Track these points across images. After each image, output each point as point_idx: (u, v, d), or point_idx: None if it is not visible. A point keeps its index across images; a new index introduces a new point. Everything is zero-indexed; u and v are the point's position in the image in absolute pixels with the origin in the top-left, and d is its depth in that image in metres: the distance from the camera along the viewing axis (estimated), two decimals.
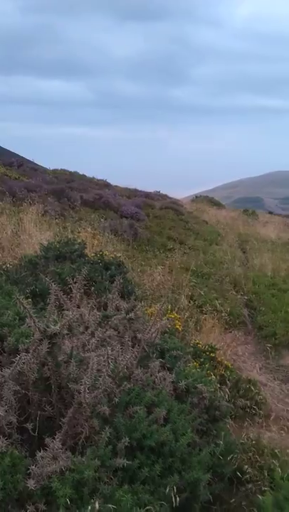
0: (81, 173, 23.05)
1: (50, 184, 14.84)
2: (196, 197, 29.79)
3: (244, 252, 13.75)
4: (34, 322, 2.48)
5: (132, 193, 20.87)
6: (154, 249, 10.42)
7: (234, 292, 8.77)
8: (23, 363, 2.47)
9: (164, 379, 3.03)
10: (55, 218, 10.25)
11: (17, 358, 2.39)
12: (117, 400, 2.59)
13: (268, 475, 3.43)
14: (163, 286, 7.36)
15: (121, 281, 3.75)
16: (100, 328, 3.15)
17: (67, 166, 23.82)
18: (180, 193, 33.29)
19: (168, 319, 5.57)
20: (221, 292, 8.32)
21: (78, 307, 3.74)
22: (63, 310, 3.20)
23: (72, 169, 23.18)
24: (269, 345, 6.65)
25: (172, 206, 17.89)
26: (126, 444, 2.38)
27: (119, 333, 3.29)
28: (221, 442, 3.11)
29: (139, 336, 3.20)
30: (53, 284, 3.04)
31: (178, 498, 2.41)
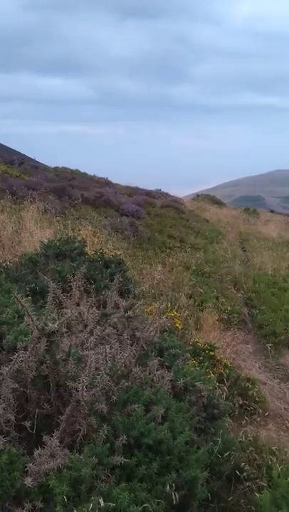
0: (82, 171, 23.07)
1: (51, 182, 14.84)
2: (198, 195, 29.79)
3: (245, 251, 13.75)
4: (32, 320, 2.49)
5: (133, 191, 20.88)
6: (155, 248, 10.42)
7: (234, 291, 8.79)
8: (21, 361, 2.48)
9: (163, 377, 3.03)
10: (56, 216, 10.26)
11: (15, 356, 2.40)
12: (115, 398, 2.59)
13: (266, 473, 3.43)
14: (163, 284, 7.37)
15: (120, 279, 3.75)
16: (98, 327, 3.15)
17: (68, 164, 23.85)
18: (181, 191, 33.30)
19: (167, 318, 5.59)
20: (221, 291, 8.32)
21: (78, 305, 3.75)
22: (63, 308, 3.21)
23: (73, 167, 23.21)
24: (269, 344, 6.65)
25: (173, 204, 17.90)
26: (123, 441, 2.38)
27: (118, 331, 3.30)
28: (219, 440, 3.12)
29: (137, 334, 3.20)
30: (51, 282, 3.06)
31: (176, 496, 2.42)
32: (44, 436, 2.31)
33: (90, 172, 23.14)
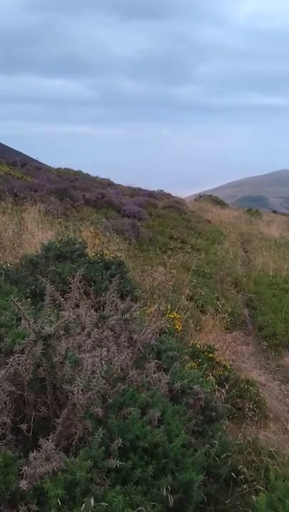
0: (85, 172, 23.12)
1: (53, 183, 14.88)
2: (200, 196, 29.77)
3: (246, 252, 13.74)
4: (28, 323, 2.50)
5: (135, 192, 20.89)
6: (156, 249, 10.42)
7: (235, 292, 8.78)
8: (18, 363, 2.50)
9: (160, 380, 3.03)
10: (58, 218, 10.28)
11: (11, 359, 2.41)
12: (111, 401, 2.60)
13: (264, 475, 3.44)
14: (164, 286, 7.37)
15: (118, 281, 3.75)
16: (96, 329, 3.16)
17: (71, 165, 23.91)
18: (184, 191, 33.30)
19: (167, 319, 5.59)
20: (222, 292, 8.32)
21: (77, 306, 3.76)
22: (61, 310, 3.22)
23: (76, 168, 23.27)
24: (269, 345, 6.65)
25: (175, 205, 17.89)
26: (119, 445, 2.39)
27: (115, 333, 3.31)
28: (216, 443, 3.12)
29: (135, 336, 3.21)
30: (49, 284, 3.06)
31: (172, 499, 2.43)
32: (40, 439, 2.32)
33: (93, 173, 23.19)
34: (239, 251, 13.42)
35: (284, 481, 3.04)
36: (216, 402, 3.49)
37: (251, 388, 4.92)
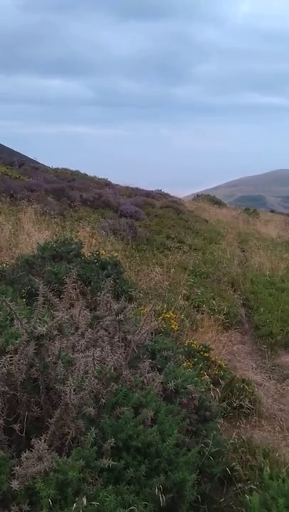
0: (83, 172, 23.12)
1: (50, 183, 14.88)
2: (198, 196, 29.79)
3: (243, 251, 13.75)
4: (21, 323, 2.50)
5: (133, 192, 20.90)
6: (153, 249, 10.43)
7: (232, 292, 8.79)
8: (11, 363, 2.50)
9: (153, 380, 3.04)
10: (54, 218, 10.28)
11: (2, 360, 2.41)
12: (103, 400, 2.61)
13: (259, 475, 3.44)
14: (160, 285, 7.38)
15: (112, 281, 3.76)
16: (89, 329, 3.17)
17: (69, 165, 23.90)
18: (182, 191, 33.31)
19: (163, 319, 5.60)
20: (218, 292, 8.33)
21: (72, 306, 3.76)
22: (56, 310, 3.23)
23: (74, 168, 23.26)
24: (265, 345, 6.66)
25: (172, 205, 17.91)
26: (112, 444, 2.39)
27: (109, 333, 3.31)
28: (210, 442, 3.12)
29: (129, 337, 3.21)
30: (42, 284, 3.06)
31: (164, 498, 2.43)
32: (32, 440, 2.32)
33: (91, 173, 23.20)
34: (236, 251, 13.43)
35: (277, 480, 3.05)
36: (210, 402, 3.50)
37: (247, 387, 4.92)
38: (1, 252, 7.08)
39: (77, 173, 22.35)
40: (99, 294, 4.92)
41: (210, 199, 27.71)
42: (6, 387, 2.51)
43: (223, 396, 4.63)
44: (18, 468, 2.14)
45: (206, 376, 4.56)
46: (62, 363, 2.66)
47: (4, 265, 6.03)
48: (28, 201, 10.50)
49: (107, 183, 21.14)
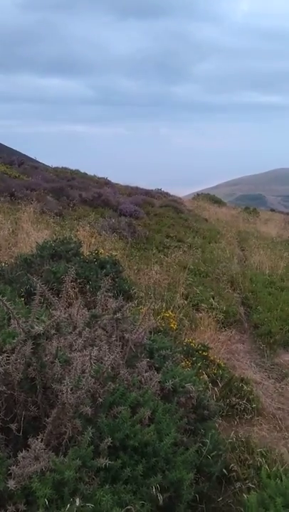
0: (82, 171, 23.12)
1: (50, 182, 14.88)
2: (197, 194, 29.79)
3: (243, 250, 13.75)
4: (18, 323, 2.50)
5: (133, 191, 20.90)
6: (152, 248, 10.42)
7: (231, 290, 8.78)
8: (7, 363, 2.49)
9: (151, 379, 3.03)
10: (53, 217, 10.28)
11: (0, 358, 2.41)
12: (101, 400, 2.60)
13: (257, 474, 3.44)
14: (159, 284, 7.37)
15: (110, 280, 3.75)
16: (87, 328, 3.16)
17: (68, 164, 23.91)
18: (182, 190, 33.32)
19: (162, 318, 5.60)
20: (218, 291, 8.32)
21: (70, 305, 3.75)
22: (54, 309, 3.22)
23: (73, 167, 23.26)
24: (264, 344, 6.66)
25: (172, 204, 17.91)
26: (109, 444, 2.39)
27: (107, 333, 3.31)
28: (208, 441, 3.12)
29: (126, 336, 3.21)
30: (39, 283, 3.06)
31: (161, 498, 2.43)
32: (29, 439, 2.32)
33: (90, 172, 23.19)
34: (236, 249, 13.42)
35: (275, 479, 3.05)
36: (208, 401, 3.49)
37: (245, 386, 4.92)
38: (0, 251, 7.08)
39: (76, 172, 22.35)
40: (98, 293, 4.93)
41: (210, 198, 27.70)
42: (3, 387, 2.51)
43: (222, 395, 4.63)
44: (14, 467, 2.13)
45: (205, 375, 4.55)
46: (60, 362, 2.65)
47: (3, 264, 6.03)
48: (28, 200, 10.49)
49: (106, 182, 21.14)
